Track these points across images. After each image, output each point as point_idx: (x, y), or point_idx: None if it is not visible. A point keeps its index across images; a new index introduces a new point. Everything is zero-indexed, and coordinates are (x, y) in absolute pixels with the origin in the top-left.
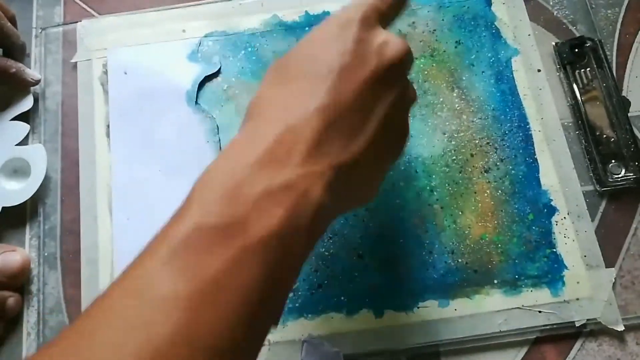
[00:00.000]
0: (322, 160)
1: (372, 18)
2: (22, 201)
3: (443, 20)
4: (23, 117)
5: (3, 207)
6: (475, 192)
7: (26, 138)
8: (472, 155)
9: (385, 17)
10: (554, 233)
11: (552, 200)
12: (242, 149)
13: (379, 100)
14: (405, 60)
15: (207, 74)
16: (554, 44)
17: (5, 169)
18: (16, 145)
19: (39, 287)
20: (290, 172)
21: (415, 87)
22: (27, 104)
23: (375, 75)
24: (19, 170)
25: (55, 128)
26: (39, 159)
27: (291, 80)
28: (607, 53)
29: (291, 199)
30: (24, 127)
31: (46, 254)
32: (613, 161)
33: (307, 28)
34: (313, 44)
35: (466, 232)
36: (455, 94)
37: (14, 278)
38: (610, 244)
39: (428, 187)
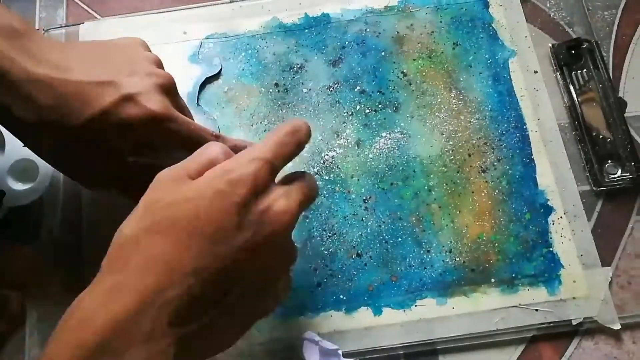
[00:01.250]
0: (169, 335)
1: (264, 178)
2: (29, 201)
3: (441, 22)
4: None
5: (10, 207)
6: (472, 192)
7: None
8: (469, 155)
9: (277, 165)
10: (550, 232)
11: (548, 200)
12: (78, 331)
13: (251, 268)
14: (288, 224)
15: (208, 76)
16: (550, 45)
17: (13, 169)
18: (24, 146)
19: (42, 286)
20: (130, 358)
21: (413, 88)
22: None
23: (250, 245)
24: (27, 170)
25: None
26: None
27: (163, 231)
28: (604, 54)
29: None
30: None
31: (49, 253)
32: (609, 161)
33: (306, 30)
34: (198, 196)
35: (464, 231)
36: (453, 95)
37: (18, 277)
38: (606, 243)
39: (426, 187)
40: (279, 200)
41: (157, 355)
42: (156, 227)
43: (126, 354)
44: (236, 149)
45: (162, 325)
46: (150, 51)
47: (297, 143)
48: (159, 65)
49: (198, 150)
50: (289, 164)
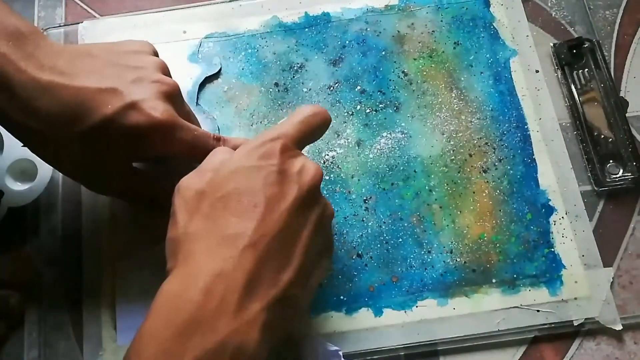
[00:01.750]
0: (255, 304)
1: (290, 147)
2: (28, 202)
3: (442, 21)
4: None
5: (9, 208)
6: (473, 192)
7: None
8: (470, 155)
9: (300, 144)
10: (552, 233)
11: (550, 200)
12: (171, 308)
13: (303, 225)
14: (319, 180)
15: (207, 75)
16: (552, 44)
17: (12, 170)
18: (23, 146)
19: (41, 286)
20: (222, 330)
21: (414, 88)
22: None
23: (297, 202)
24: (25, 171)
25: None
26: None
27: (216, 215)
28: (605, 54)
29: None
30: None
31: (48, 253)
32: (611, 161)
33: (306, 29)
34: (236, 176)
35: (465, 231)
36: (453, 95)
37: (17, 277)
38: (608, 243)
39: (427, 187)
40: (308, 161)
41: (247, 324)
42: (207, 214)
43: (217, 326)
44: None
45: (246, 296)
46: (157, 55)
47: (319, 123)
48: (165, 71)
49: (207, 158)
50: None
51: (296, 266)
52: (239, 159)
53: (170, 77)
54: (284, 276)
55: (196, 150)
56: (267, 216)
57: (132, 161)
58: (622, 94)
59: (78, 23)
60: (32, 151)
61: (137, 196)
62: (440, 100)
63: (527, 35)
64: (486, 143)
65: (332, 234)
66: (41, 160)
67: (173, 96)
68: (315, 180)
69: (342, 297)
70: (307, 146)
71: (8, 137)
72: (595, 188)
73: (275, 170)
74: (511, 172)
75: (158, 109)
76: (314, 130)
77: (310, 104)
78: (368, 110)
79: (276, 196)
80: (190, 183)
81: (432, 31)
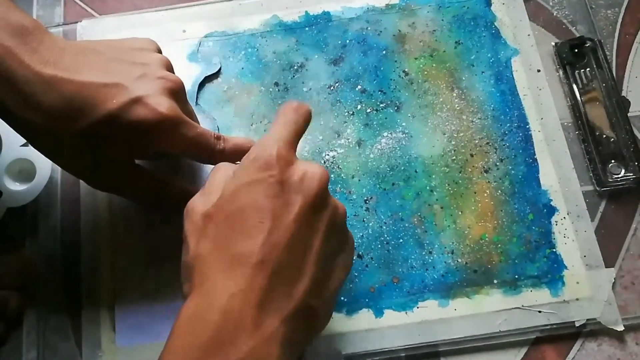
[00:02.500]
0: (272, 319)
1: (285, 153)
2: (27, 202)
3: (443, 20)
4: None
5: (8, 208)
6: (475, 192)
7: None
8: (472, 155)
9: (294, 144)
10: (553, 233)
11: (551, 200)
12: (190, 330)
13: (313, 232)
14: (326, 184)
15: (207, 75)
16: (553, 44)
17: (10, 170)
18: (21, 146)
19: (40, 287)
20: (242, 348)
21: (415, 88)
22: None
23: (304, 210)
24: (24, 171)
25: None
26: (44, 159)
27: (224, 236)
28: (607, 53)
29: None
30: None
31: (47, 254)
32: (613, 161)
33: (306, 28)
34: (238, 194)
35: (466, 232)
36: (455, 94)
37: (15, 277)
38: (610, 244)
39: (428, 187)
40: (310, 165)
41: (266, 340)
42: (215, 236)
43: (237, 345)
44: (237, 148)
45: (262, 312)
46: (161, 52)
47: (304, 117)
48: (170, 68)
49: (210, 177)
50: None
51: (310, 276)
52: (239, 176)
53: (174, 74)
54: (299, 288)
55: (198, 148)
56: (274, 229)
57: (134, 157)
58: (623, 93)
59: (77, 22)
60: (35, 147)
61: (139, 193)
62: (441, 99)
63: (529, 35)
64: (487, 143)
65: (347, 232)
66: (40, 160)
67: (177, 93)
68: (321, 185)
69: (342, 298)
70: (308, 146)
71: (6, 137)
72: (597, 188)
73: (275, 182)
74: (513, 172)
75: (163, 105)
76: (302, 126)
77: (286, 101)
78: (369, 110)
79: (281, 208)
80: (196, 206)
81: (433, 30)
